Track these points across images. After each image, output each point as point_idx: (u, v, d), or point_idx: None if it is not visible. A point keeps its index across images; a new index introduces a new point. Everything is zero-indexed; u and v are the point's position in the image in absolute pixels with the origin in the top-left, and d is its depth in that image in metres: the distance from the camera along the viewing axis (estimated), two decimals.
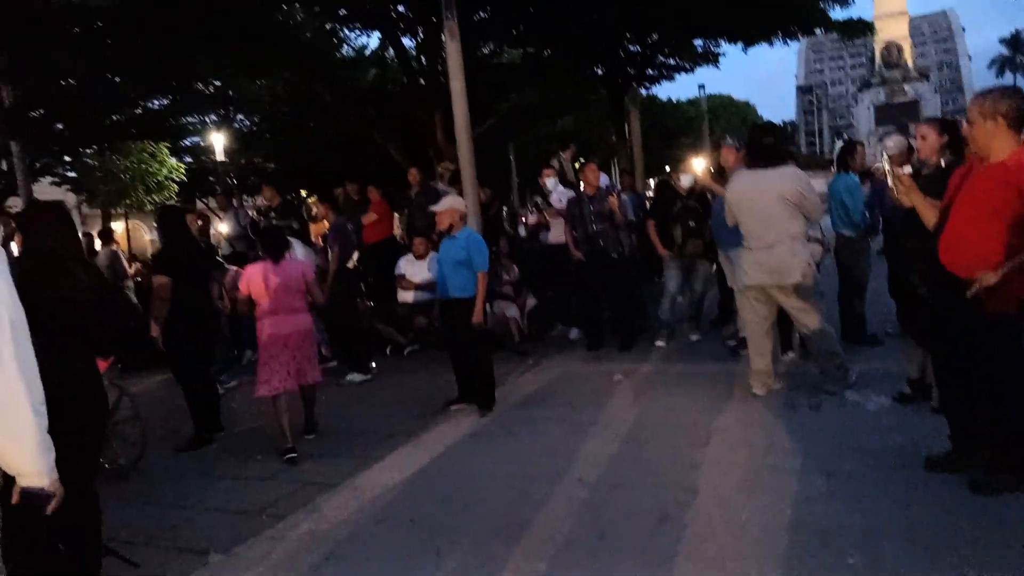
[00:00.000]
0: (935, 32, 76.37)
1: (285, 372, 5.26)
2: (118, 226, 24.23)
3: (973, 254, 3.31)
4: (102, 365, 5.18)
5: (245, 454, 5.42)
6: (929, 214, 3.70)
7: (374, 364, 7.73)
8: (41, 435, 2.04)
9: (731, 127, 45.04)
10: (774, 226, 5.20)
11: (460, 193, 9.34)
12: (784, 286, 5.26)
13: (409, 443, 5.17)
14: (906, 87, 38.04)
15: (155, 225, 6.02)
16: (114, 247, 11.37)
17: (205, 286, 6.12)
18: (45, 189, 25.37)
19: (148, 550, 3.85)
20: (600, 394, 5.93)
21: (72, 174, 25.29)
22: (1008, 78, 64.14)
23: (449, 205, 5.90)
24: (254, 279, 5.38)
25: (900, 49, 39.68)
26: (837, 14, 15.59)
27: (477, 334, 5.72)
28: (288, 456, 5.10)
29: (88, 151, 22.43)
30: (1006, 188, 3.23)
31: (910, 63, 41.22)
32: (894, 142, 6.13)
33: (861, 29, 16.84)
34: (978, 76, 68.55)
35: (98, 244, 11.90)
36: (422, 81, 13.88)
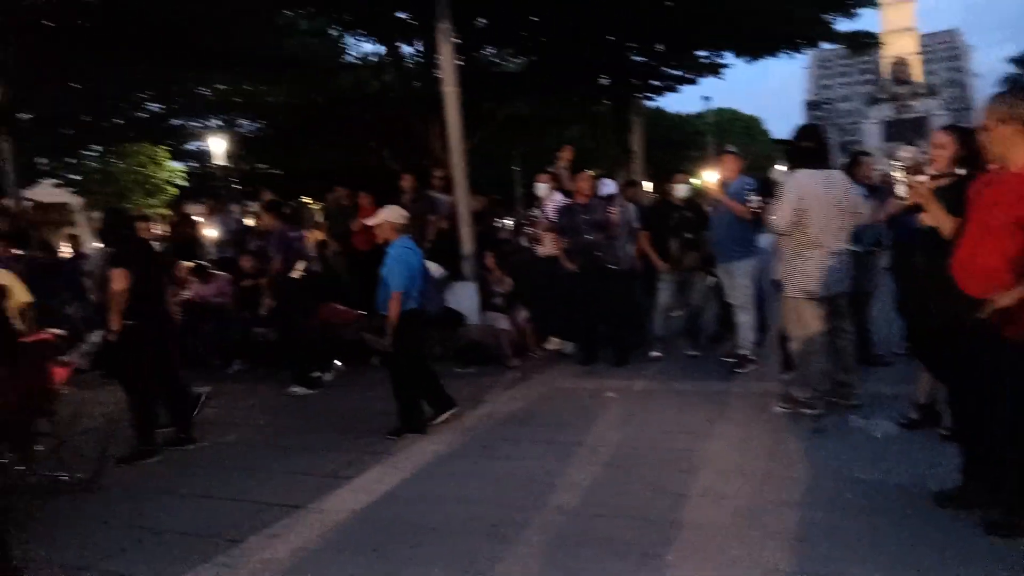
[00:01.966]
0: (943, 50, 76.09)
1: None
2: None
3: (987, 273, 3.01)
4: (62, 373, 4.94)
5: (212, 469, 5.13)
6: (946, 224, 3.39)
7: (328, 376, 7.54)
8: None
9: (737, 141, 44.76)
10: (844, 231, 5.04)
11: (453, 201, 9.10)
12: (845, 294, 5.18)
13: (383, 462, 4.87)
14: (914, 103, 37.73)
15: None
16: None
17: (158, 289, 5.84)
18: (48, 191, 25.29)
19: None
20: (589, 413, 5.62)
21: (75, 177, 25.19)
22: None
23: (383, 218, 5.62)
24: None
25: (908, 65, 39.44)
26: (843, 26, 15.34)
27: (395, 354, 5.46)
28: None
29: (90, 153, 22.33)
30: (1021, 200, 2.93)
31: (919, 80, 40.96)
32: (907, 152, 5.83)
33: (868, 42, 16.59)
34: (986, 94, 68.50)
35: (97, 244, 11.73)
36: (420, 88, 13.66)
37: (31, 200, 19.89)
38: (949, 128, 4.27)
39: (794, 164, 5.09)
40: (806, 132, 5.34)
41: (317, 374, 7.54)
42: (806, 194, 4.86)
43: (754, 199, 6.22)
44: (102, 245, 9.85)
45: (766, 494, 3.87)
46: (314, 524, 3.95)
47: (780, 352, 5.98)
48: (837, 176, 5.17)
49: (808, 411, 5.07)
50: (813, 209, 4.86)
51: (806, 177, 4.94)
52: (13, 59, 9.88)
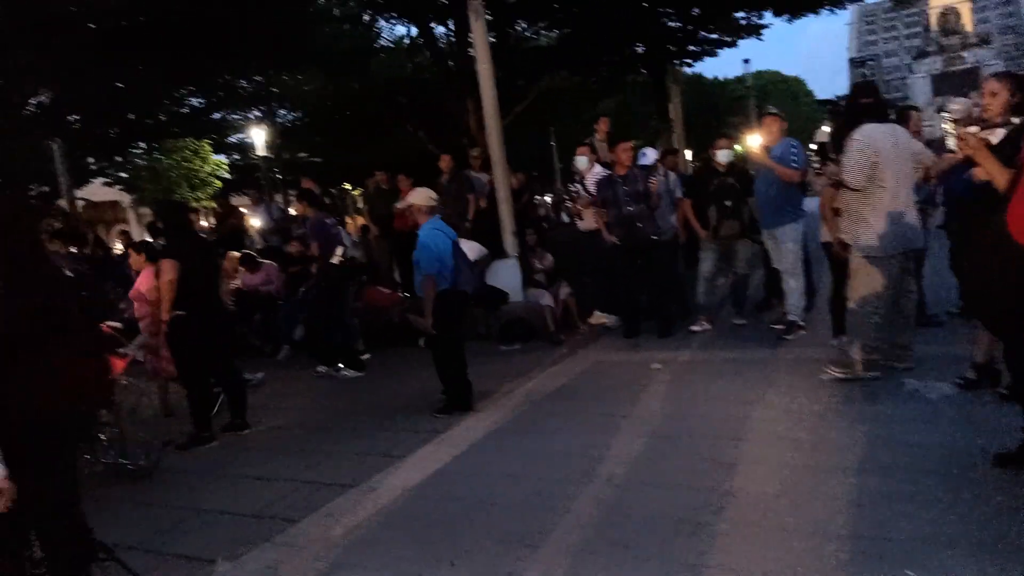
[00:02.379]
0: None
1: None
2: None
3: None
4: (120, 365, 5.10)
5: (267, 453, 5.27)
6: (1000, 177, 3.24)
7: (368, 356, 7.79)
8: None
9: (781, 104, 43.53)
10: (911, 186, 4.87)
11: (491, 180, 9.10)
12: (916, 251, 5.03)
13: (432, 440, 4.93)
14: (965, 54, 36.18)
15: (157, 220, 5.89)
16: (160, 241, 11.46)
17: (210, 280, 5.95)
18: (99, 189, 26.02)
19: (156, 557, 3.70)
20: (635, 385, 5.60)
21: (123, 174, 25.85)
22: None
23: (411, 201, 5.71)
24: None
25: (958, 14, 37.84)
26: None
27: (433, 336, 5.54)
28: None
29: (136, 151, 22.87)
30: None
31: (969, 29, 39.22)
32: (959, 104, 5.61)
33: None
34: None
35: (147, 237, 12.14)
36: (453, 68, 13.62)
37: (83, 199, 20.53)
38: (1001, 75, 4.08)
39: (854, 121, 4.90)
40: (863, 88, 5.17)
41: (366, 356, 7.69)
42: (879, 147, 4.69)
43: (804, 158, 6.10)
44: (150, 238, 10.18)
45: (819, 461, 3.81)
46: (368, 502, 4.03)
47: (832, 317, 5.88)
48: (899, 129, 4.99)
49: (864, 375, 4.96)
50: (887, 162, 4.69)
51: (874, 130, 4.75)
52: (59, 63, 10.15)
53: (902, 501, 3.22)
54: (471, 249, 8.35)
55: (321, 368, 7.43)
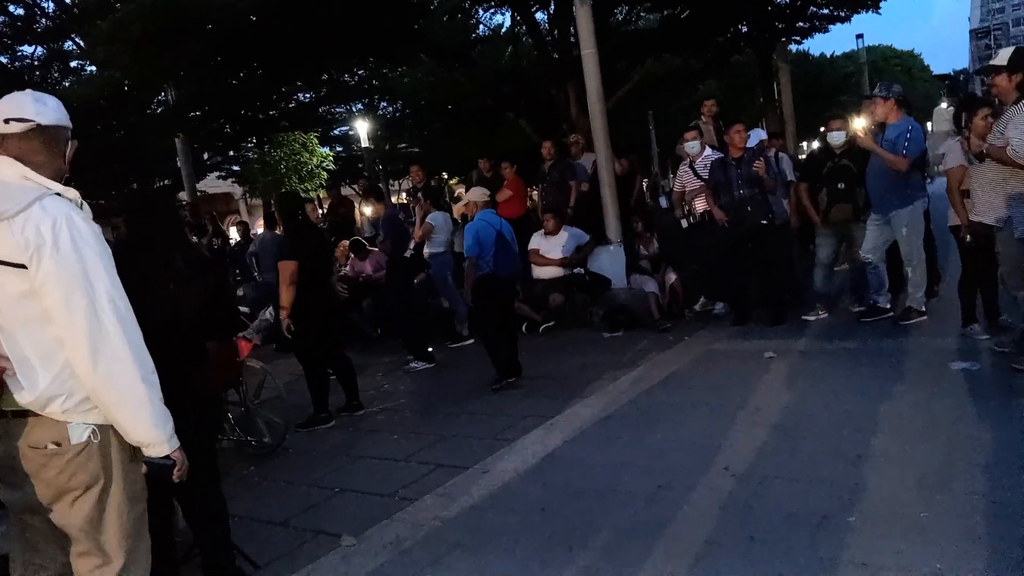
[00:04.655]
0: None
1: None
2: None
3: None
4: (246, 348, 5.38)
5: (383, 433, 5.46)
6: None
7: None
8: (154, 404, 2.03)
9: (895, 81, 40.99)
10: None
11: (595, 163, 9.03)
12: None
13: (541, 425, 4.95)
14: None
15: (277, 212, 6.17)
16: (277, 231, 12.01)
17: (327, 270, 6.20)
18: (213, 183, 27.46)
19: (283, 531, 3.90)
20: (748, 375, 5.44)
21: (236, 168, 27.16)
22: None
23: (467, 199, 6.60)
24: None
25: None
26: None
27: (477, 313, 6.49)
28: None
29: (248, 145, 23.96)
30: None
31: None
32: None
33: None
34: None
35: (260, 229, 12.80)
36: (555, 55, 13.55)
37: (201, 191, 21.70)
38: None
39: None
40: None
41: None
42: None
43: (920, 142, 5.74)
44: (263, 229, 10.65)
45: (952, 456, 3.60)
46: (482, 484, 4.10)
47: (962, 305, 5.56)
48: None
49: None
50: None
51: None
52: (186, 65, 10.75)
53: None
54: (573, 236, 8.36)
55: (416, 365, 7.49)
